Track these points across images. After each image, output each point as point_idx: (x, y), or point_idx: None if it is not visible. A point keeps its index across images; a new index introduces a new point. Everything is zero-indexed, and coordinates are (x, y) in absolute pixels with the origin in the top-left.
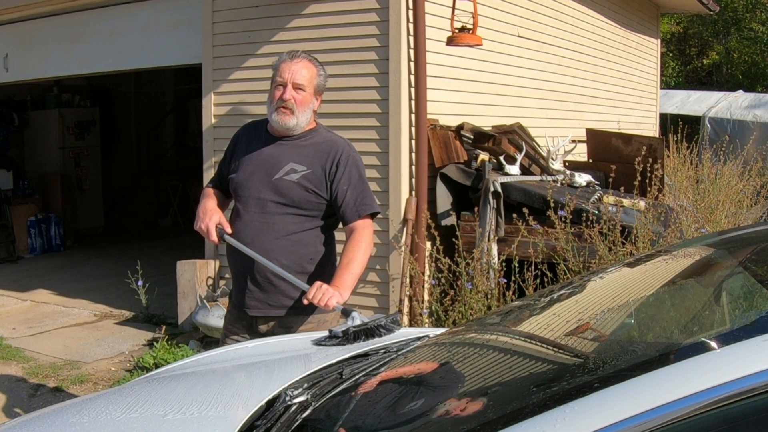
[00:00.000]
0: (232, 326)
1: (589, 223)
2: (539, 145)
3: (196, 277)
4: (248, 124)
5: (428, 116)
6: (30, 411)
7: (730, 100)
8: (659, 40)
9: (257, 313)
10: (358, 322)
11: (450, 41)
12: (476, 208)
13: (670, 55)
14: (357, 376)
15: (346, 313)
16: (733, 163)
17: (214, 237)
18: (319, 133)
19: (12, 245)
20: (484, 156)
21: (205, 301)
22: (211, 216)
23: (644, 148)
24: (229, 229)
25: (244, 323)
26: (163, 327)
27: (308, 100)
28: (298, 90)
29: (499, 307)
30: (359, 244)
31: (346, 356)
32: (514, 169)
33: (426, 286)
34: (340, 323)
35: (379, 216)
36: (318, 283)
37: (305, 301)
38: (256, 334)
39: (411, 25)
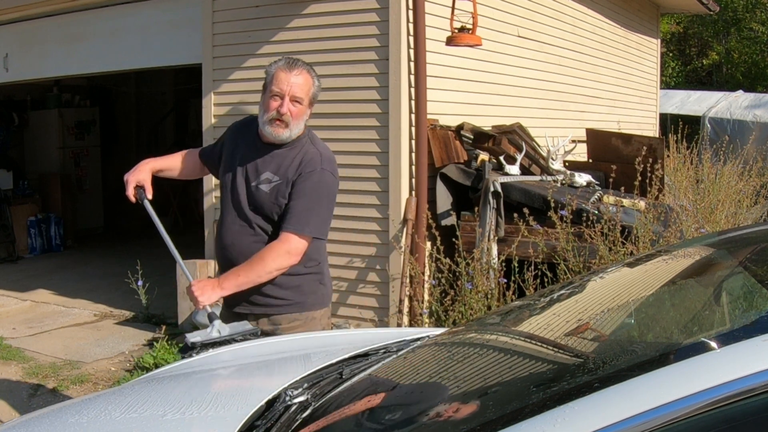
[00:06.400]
0: None
1: (589, 223)
2: (539, 145)
3: (196, 277)
4: (239, 123)
5: (428, 116)
6: (30, 411)
7: (730, 100)
8: (659, 40)
9: (243, 311)
10: (215, 334)
11: (450, 41)
12: (476, 208)
13: (670, 55)
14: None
15: (210, 318)
16: (733, 163)
17: (130, 194)
18: (303, 143)
19: (12, 245)
20: (484, 156)
21: None
22: (137, 175)
23: (644, 148)
24: (150, 195)
25: (239, 321)
26: (163, 327)
27: (303, 112)
28: (296, 103)
29: (499, 307)
30: (264, 253)
31: (346, 356)
32: (514, 169)
33: (426, 286)
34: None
35: (379, 216)
36: (197, 281)
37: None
38: None
39: (411, 25)
